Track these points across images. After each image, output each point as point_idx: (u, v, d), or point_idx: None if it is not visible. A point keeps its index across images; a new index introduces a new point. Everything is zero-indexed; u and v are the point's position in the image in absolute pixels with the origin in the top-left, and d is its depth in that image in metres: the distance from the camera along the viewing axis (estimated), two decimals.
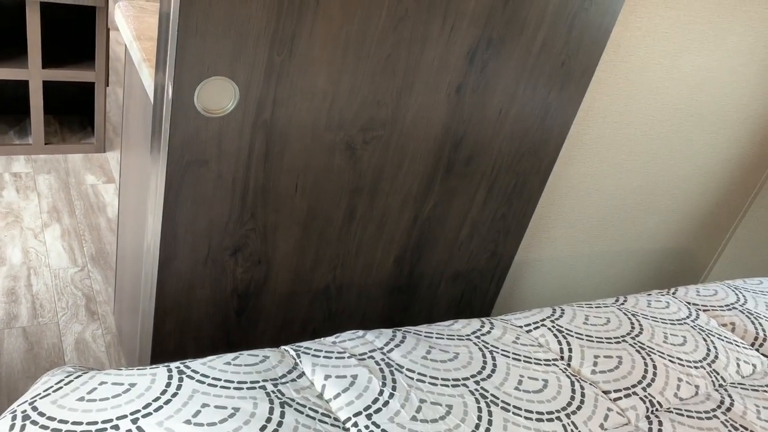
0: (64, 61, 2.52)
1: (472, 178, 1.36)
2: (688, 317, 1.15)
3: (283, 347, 0.92)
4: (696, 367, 1.02)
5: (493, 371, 0.91)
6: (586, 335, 1.05)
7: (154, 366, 0.84)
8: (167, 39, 0.97)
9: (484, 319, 1.07)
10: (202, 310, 1.25)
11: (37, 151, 2.59)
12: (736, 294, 1.27)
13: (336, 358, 0.87)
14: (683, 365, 1.02)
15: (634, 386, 0.95)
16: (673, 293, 1.26)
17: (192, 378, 0.80)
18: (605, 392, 0.94)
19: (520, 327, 1.06)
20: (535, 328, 1.06)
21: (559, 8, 1.19)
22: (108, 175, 2.60)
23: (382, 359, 0.88)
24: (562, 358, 1.00)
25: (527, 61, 1.24)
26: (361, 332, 0.97)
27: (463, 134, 1.28)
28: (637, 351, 1.03)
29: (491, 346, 0.97)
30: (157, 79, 1.04)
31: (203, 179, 1.08)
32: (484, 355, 0.95)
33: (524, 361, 0.95)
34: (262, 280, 1.27)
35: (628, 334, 1.07)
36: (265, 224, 1.19)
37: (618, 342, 1.04)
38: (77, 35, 2.68)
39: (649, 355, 1.02)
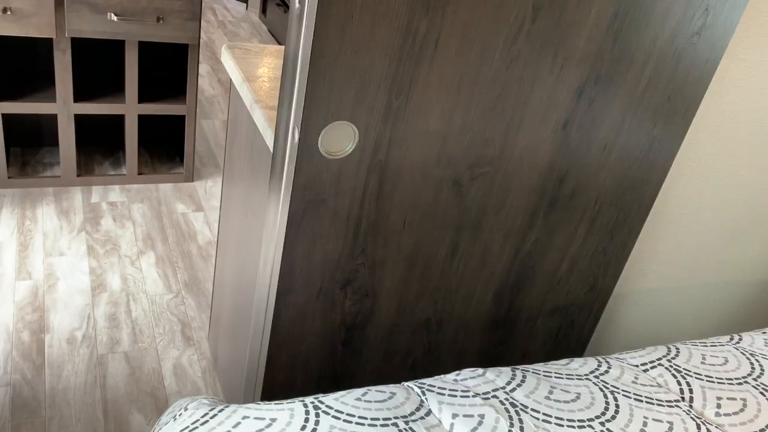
0: (155, 95, 2.65)
1: (574, 213, 1.36)
2: None
3: (406, 384, 0.94)
4: None
5: (616, 412, 0.91)
6: (706, 376, 1.03)
7: (290, 401, 0.87)
8: (293, 86, 1.02)
9: (600, 358, 1.06)
10: (312, 341, 1.28)
11: (130, 181, 2.72)
12: None
13: (461, 396, 0.89)
14: None
15: (763, 430, 0.93)
16: None
17: (327, 414, 0.83)
18: None
19: (636, 366, 1.05)
20: (651, 368, 1.05)
21: (666, 44, 1.20)
22: (197, 203, 2.71)
23: (506, 399, 0.89)
24: (683, 399, 0.99)
25: (633, 96, 1.24)
26: (480, 370, 0.98)
27: (568, 169, 1.28)
28: (761, 393, 1.00)
29: (611, 386, 0.97)
30: (280, 123, 1.09)
31: (321, 216, 1.12)
32: (605, 396, 0.94)
33: (646, 402, 0.94)
34: (368, 313, 1.30)
35: (750, 374, 1.05)
36: (374, 259, 1.22)
37: (740, 383, 1.02)
38: (167, 70, 2.82)
39: None
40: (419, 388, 0.92)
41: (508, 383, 0.93)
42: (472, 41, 1.04)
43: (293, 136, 1.04)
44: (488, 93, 1.11)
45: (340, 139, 1.05)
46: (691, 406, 0.97)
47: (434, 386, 0.92)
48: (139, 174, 2.73)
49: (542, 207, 1.32)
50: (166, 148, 2.98)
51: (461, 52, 1.05)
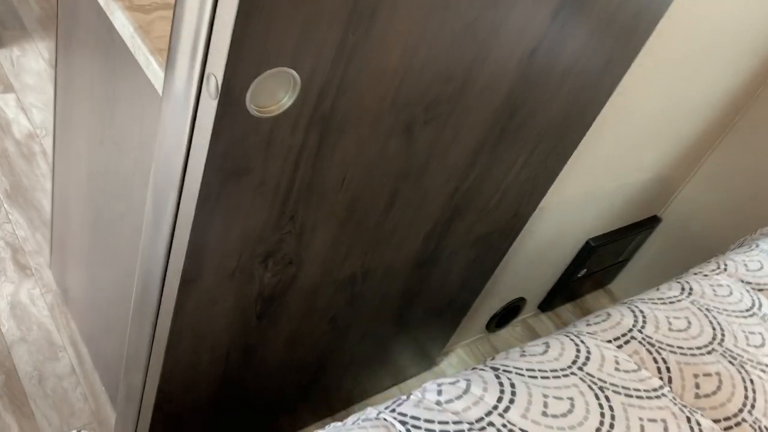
0: None
1: (517, 145, 1.18)
2: (753, 306, 1.10)
3: (387, 419, 0.76)
4: None
5: (613, 419, 0.82)
6: (678, 347, 0.97)
7: None
8: (206, 17, 0.68)
9: (573, 336, 0.95)
10: (221, 319, 1.04)
11: None
12: None
13: (454, 430, 0.73)
14: None
15: (741, 411, 0.90)
16: (725, 268, 1.20)
17: None
18: (715, 421, 0.88)
19: (610, 342, 0.96)
20: (625, 343, 0.96)
21: None
22: (4, 82, 2.14)
23: (504, 425, 0.75)
24: (661, 378, 0.92)
25: (603, 16, 1.04)
26: (461, 382, 0.82)
27: (522, 101, 1.08)
28: (730, 362, 0.97)
29: (599, 381, 0.87)
30: (175, 66, 0.75)
31: (243, 188, 0.83)
32: (597, 397, 0.84)
33: (636, 398, 0.86)
34: (290, 281, 1.06)
35: (714, 339, 1.00)
36: (303, 225, 0.97)
37: (709, 353, 0.97)
38: None
39: (743, 367, 0.96)
40: (402, 424, 0.74)
41: (499, 400, 0.79)
42: None
43: (207, 85, 0.71)
44: (462, 18, 0.84)
45: (275, 91, 0.74)
46: (672, 390, 0.90)
47: (419, 419, 0.75)
48: None
49: (489, 143, 1.12)
50: None
51: None
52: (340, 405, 1.72)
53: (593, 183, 1.72)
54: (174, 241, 0.89)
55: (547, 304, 2.30)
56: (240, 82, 0.70)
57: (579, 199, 1.73)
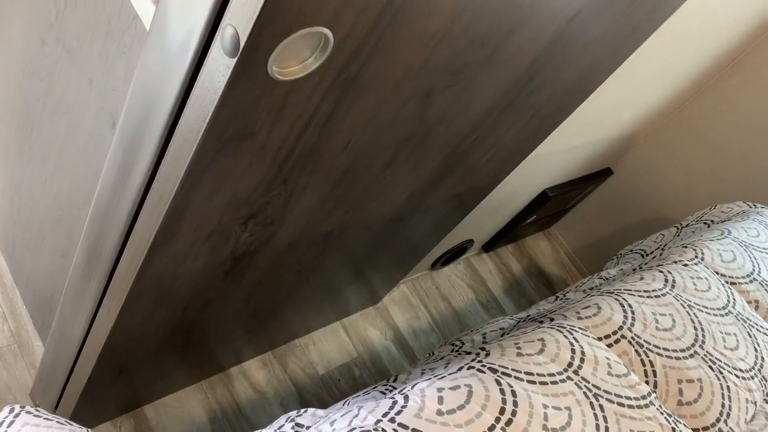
0: None
1: (523, 111, 1.09)
2: (728, 303, 1.10)
3: (386, 431, 0.68)
4: (752, 378, 1.00)
5: (607, 430, 0.79)
6: (664, 349, 0.95)
7: None
8: None
9: (564, 332, 0.91)
10: (187, 279, 0.92)
11: None
12: (751, 260, 1.24)
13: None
14: (744, 378, 0.98)
15: (717, 420, 0.90)
16: (702, 257, 1.19)
17: None
18: (695, 430, 0.88)
19: (601, 340, 0.93)
20: (615, 342, 0.93)
21: None
22: None
23: None
24: (647, 382, 0.90)
25: None
26: (463, 388, 0.75)
27: (542, 69, 0.98)
28: (710, 368, 0.96)
29: (593, 387, 0.83)
30: (184, 12, 0.60)
31: (241, 153, 0.70)
32: (592, 406, 0.81)
33: (627, 407, 0.84)
34: (266, 240, 0.95)
35: (696, 341, 0.99)
36: (293, 188, 0.85)
37: (692, 356, 0.96)
38: None
39: (721, 372, 0.96)
40: None
41: (502, 412, 0.74)
42: None
43: (224, 41, 0.57)
44: None
45: (303, 53, 0.61)
46: (658, 396, 0.89)
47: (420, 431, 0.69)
48: None
49: (498, 109, 1.02)
50: None
51: None
52: (282, 340, 1.67)
53: (567, 141, 1.66)
54: (146, 200, 0.75)
55: (491, 245, 2.29)
56: (267, 41, 0.56)
57: (549, 155, 1.68)
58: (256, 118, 0.65)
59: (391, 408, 0.71)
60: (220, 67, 0.58)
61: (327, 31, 0.59)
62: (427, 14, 0.67)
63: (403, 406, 0.71)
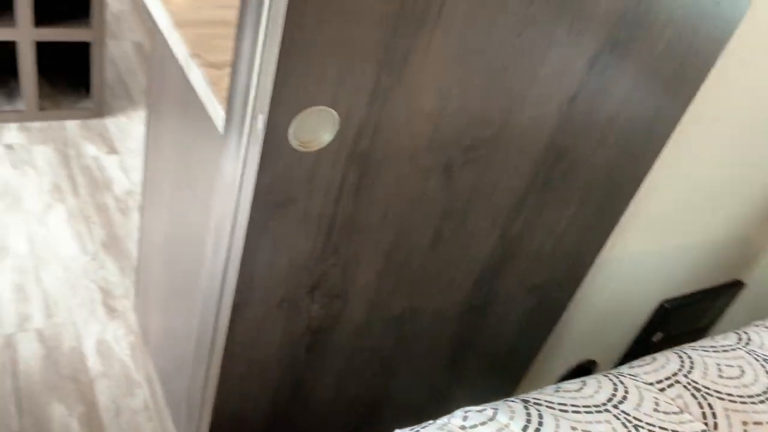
0: (55, 18, 2.24)
1: (567, 191, 1.21)
2: None
3: None
4: None
5: None
6: (727, 394, 0.93)
7: None
8: (255, 62, 0.78)
9: (612, 376, 0.94)
10: (271, 351, 1.10)
11: (30, 118, 2.35)
12: None
13: None
14: None
15: None
16: None
17: None
18: None
19: (652, 385, 0.94)
20: (668, 386, 0.94)
21: (691, 4, 1.02)
22: (109, 144, 2.38)
23: None
24: (705, 423, 0.89)
25: (647, 63, 1.07)
26: (489, 411, 0.83)
27: (567, 147, 1.11)
28: None
29: (634, 419, 0.85)
30: (234, 106, 0.85)
31: (288, 219, 0.91)
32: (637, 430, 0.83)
33: None
34: (337, 314, 1.12)
35: None
36: (347, 258, 1.03)
37: (763, 402, 0.93)
38: None
39: None
40: None
41: (525, 429, 0.79)
42: (482, 4, 0.82)
43: (255, 123, 0.81)
44: (495, 64, 0.91)
45: (316, 128, 0.82)
46: None
47: None
48: (40, 110, 2.35)
49: (535, 187, 1.15)
50: (70, 78, 2.59)
51: (469, 18, 0.83)
52: None
53: (659, 240, 1.68)
54: (228, 268, 0.97)
55: None
56: (283, 118, 0.79)
57: (645, 256, 1.70)
58: (292, 185, 0.87)
59: (421, 426, 0.78)
60: (255, 143, 0.81)
61: (331, 110, 0.81)
62: (416, 94, 0.87)
63: (430, 423, 0.78)
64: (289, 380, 1.18)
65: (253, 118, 0.81)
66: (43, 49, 2.50)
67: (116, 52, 2.86)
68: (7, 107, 2.35)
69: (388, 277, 1.11)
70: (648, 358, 1.02)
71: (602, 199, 1.29)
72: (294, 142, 0.82)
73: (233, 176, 0.89)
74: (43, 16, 2.21)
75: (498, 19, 0.85)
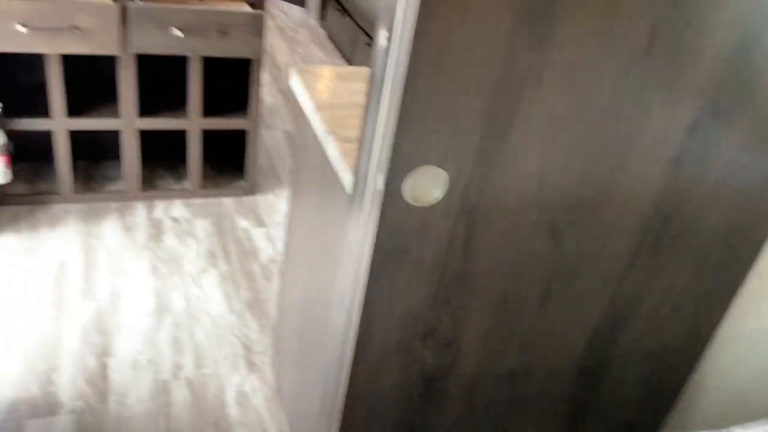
0: (217, 109, 2.61)
1: (679, 254, 1.22)
2: None
3: None
4: None
5: None
6: None
7: None
8: (377, 128, 0.93)
9: None
10: (389, 394, 1.19)
11: (193, 196, 2.69)
12: None
13: None
14: None
15: None
16: None
17: None
18: None
19: None
20: None
21: None
22: (259, 219, 2.66)
23: None
24: None
25: (754, 128, 1.10)
26: None
27: (675, 209, 1.15)
28: None
29: None
30: (360, 167, 1.00)
31: (403, 267, 1.02)
32: None
33: None
34: (449, 364, 1.20)
35: None
36: (458, 309, 1.12)
37: None
38: (228, 83, 2.77)
39: None
40: None
41: None
42: (579, 75, 0.92)
43: (376, 182, 0.94)
44: (594, 130, 0.99)
45: (427, 186, 0.95)
46: None
47: None
48: (201, 188, 2.70)
49: (645, 248, 1.18)
50: (228, 161, 2.95)
51: (566, 88, 0.93)
52: None
53: None
54: (351, 312, 1.09)
55: None
56: (399, 176, 0.92)
57: None
58: (406, 237, 0.99)
59: None
60: (375, 198, 0.95)
61: (440, 169, 0.94)
62: (519, 157, 0.97)
63: None
64: (405, 425, 1.26)
65: (374, 177, 0.95)
66: (206, 136, 2.89)
67: (268, 139, 3.22)
68: (176, 186, 2.72)
69: (498, 331, 1.18)
70: (762, 422, 0.99)
71: (719, 265, 1.28)
72: (408, 198, 0.94)
73: (357, 229, 1.03)
74: (208, 109, 2.57)
75: (595, 88, 0.94)
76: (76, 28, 2.07)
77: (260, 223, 2.63)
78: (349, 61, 4.15)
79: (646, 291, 1.25)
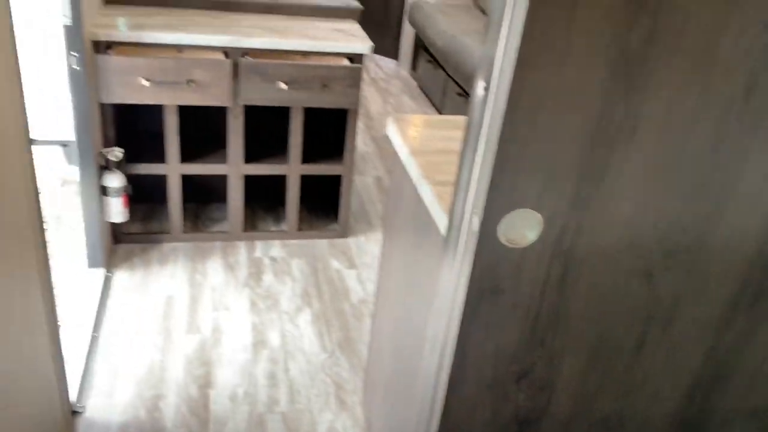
0: (314, 155, 2.75)
1: None
2: None
3: None
4: None
5: None
6: None
7: None
8: (473, 171, 0.98)
9: None
10: None
11: (290, 237, 2.82)
12: None
13: None
14: None
15: None
16: None
17: None
18: None
19: None
20: None
21: None
22: (350, 260, 2.75)
23: None
24: None
25: None
26: None
27: None
28: None
29: None
30: (455, 208, 1.05)
31: (497, 306, 1.05)
32: None
33: None
34: (543, 407, 1.20)
35: None
36: (552, 351, 1.13)
37: None
38: (325, 130, 2.91)
39: None
40: None
41: None
42: (675, 124, 0.94)
43: (471, 223, 0.99)
44: (690, 178, 1.00)
45: (522, 228, 0.98)
46: None
47: None
48: (298, 230, 2.83)
49: (746, 297, 1.16)
50: (322, 204, 3.08)
51: (661, 135, 0.95)
52: None
53: None
54: (444, 349, 1.13)
55: None
56: (494, 218, 0.97)
57: None
58: (501, 276, 1.02)
59: None
60: (470, 238, 0.99)
61: (535, 212, 0.97)
62: (614, 203, 0.99)
63: None
64: None
65: (470, 219, 1.00)
66: (303, 180, 3.03)
67: (360, 184, 3.34)
68: (274, 228, 2.86)
69: (592, 375, 1.18)
70: None
71: None
72: (503, 239, 0.98)
73: (452, 270, 1.08)
74: (306, 155, 2.72)
75: (691, 136, 0.96)
76: (193, 81, 2.27)
77: (352, 264, 2.72)
78: (439, 110, 4.25)
79: (749, 342, 1.22)
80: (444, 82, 4.11)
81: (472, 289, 1.02)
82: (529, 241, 0.99)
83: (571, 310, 1.09)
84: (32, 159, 1.39)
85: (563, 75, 0.88)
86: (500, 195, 0.95)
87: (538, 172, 0.94)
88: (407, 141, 1.48)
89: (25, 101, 1.34)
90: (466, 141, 1.01)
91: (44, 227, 1.46)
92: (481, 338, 1.08)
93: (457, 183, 1.04)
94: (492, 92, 0.92)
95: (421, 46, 4.59)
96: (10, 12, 1.27)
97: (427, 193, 1.29)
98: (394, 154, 1.58)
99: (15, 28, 1.30)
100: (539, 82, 0.87)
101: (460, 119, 1.63)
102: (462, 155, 1.03)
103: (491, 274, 1.02)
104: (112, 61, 2.18)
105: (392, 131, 1.57)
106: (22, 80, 1.31)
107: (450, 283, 1.08)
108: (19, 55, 1.30)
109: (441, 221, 1.18)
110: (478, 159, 0.96)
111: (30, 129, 1.37)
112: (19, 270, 1.36)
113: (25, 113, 1.33)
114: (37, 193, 1.40)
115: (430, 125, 1.59)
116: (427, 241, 1.34)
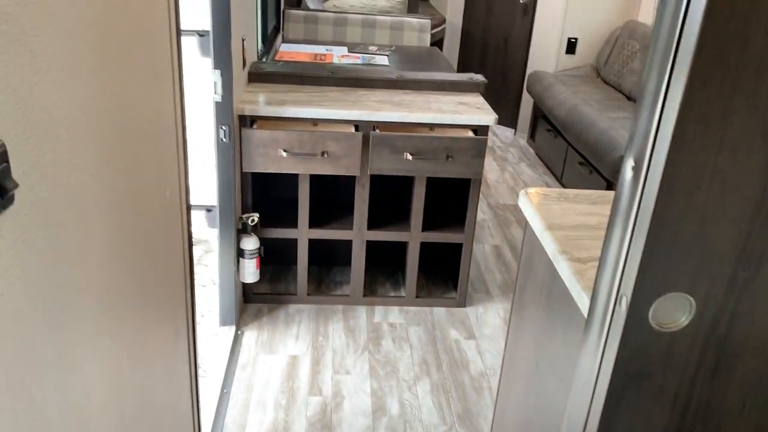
0: (434, 223, 2.79)
1: None
2: None
3: None
4: None
5: None
6: None
7: None
8: (622, 252, 0.96)
9: None
10: None
11: (408, 304, 2.85)
12: None
13: None
14: None
15: None
16: None
17: None
18: None
19: None
20: None
21: None
22: (469, 330, 2.72)
23: None
24: None
25: None
26: None
27: None
28: None
29: None
30: (600, 288, 1.03)
31: (644, 393, 1.01)
32: None
33: None
34: None
35: None
36: None
37: None
38: (446, 197, 2.96)
39: None
40: None
41: None
42: None
43: (619, 304, 0.97)
44: None
45: (673, 311, 0.95)
46: None
47: None
48: (416, 297, 2.85)
49: None
50: (440, 272, 3.09)
51: None
52: None
53: None
54: None
55: None
56: (644, 301, 0.94)
57: None
58: (648, 361, 0.98)
59: None
60: (618, 321, 0.97)
61: (688, 296, 0.94)
62: None
63: None
64: None
65: (618, 300, 0.98)
66: (424, 249, 3.07)
67: (477, 253, 3.34)
68: (393, 294, 2.90)
69: None
70: None
71: None
72: (652, 323, 0.95)
73: (596, 352, 1.05)
74: (426, 223, 2.76)
75: None
76: (326, 153, 2.40)
77: (470, 335, 2.69)
78: (559, 179, 4.20)
79: None
80: (565, 151, 4.07)
81: (617, 372, 0.99)
82: (680, 325, 0.96)
83: (725, 401, 1.02)
84: (190, 224, 1.51)
85: (720, 156, 0.86)
86: (651, 277, 0.92)
87: (692, 255, 0.91)
88: (542, 214, 1.48)
89: (188, 171, 1.48)
90: (613, 219, 1.00)
91: (194, 288, 1.57)
92: (626, 426, 1.04)
93: (602, 262, 1.03)
94: (643, 171, 0.91)
95: (540, 116, 4.60)
96: (183, 95, 1.43)
97: (564, 270, 1.28)
98: (525, 226, 1.58)
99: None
100: (695, 164, 0.86)
101: (596, 193, 1.61)
102: (608, 234, 1.02)
103: (639, 358, 0.98)
104: (257, 134, 2.36)
105: (524, 203, 1.58)
106: (188, 152, 1.45)
107: (593, 366, 1.05)
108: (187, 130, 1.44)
109: (581, 299, 1.16)
110: (626, 239, 0.95)
111: (189, 196, 1.50)
112: (173, 326, 1.46)
113: (187, 182, 1.46)
114: (191, 257, 1.52)
115: (564, 198, 1.58)
116: (563, 319, 1.32)
